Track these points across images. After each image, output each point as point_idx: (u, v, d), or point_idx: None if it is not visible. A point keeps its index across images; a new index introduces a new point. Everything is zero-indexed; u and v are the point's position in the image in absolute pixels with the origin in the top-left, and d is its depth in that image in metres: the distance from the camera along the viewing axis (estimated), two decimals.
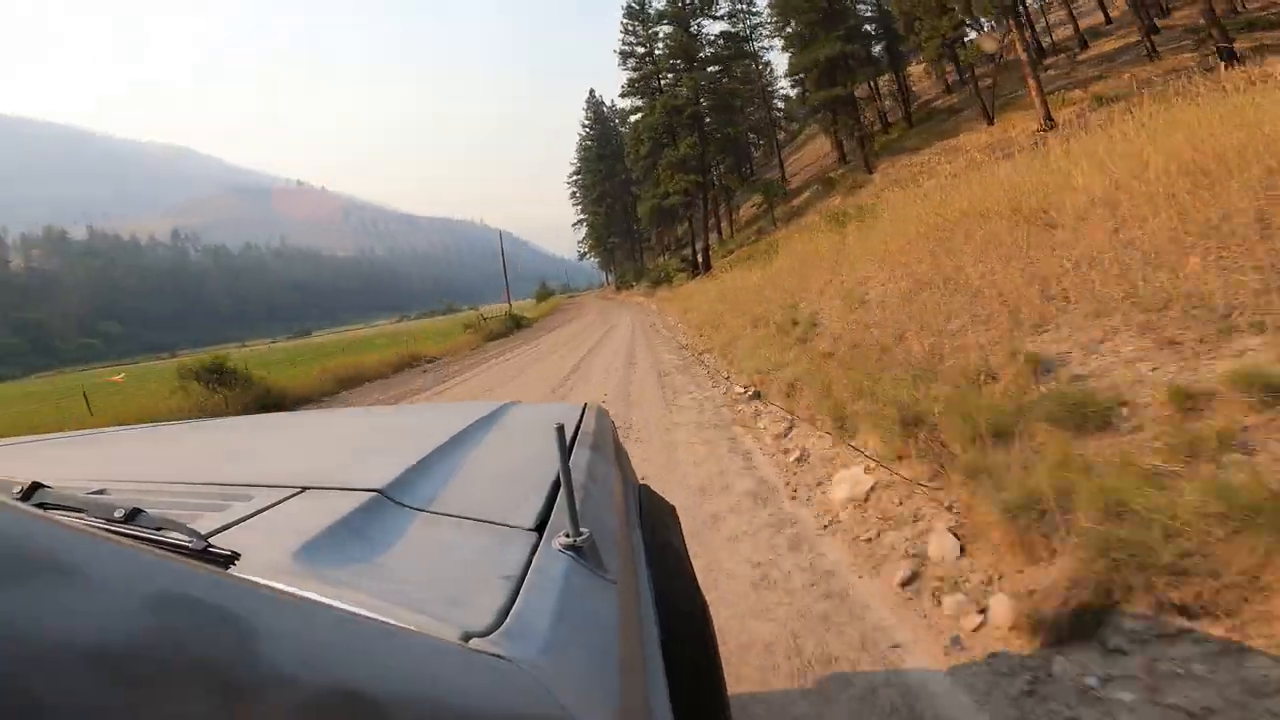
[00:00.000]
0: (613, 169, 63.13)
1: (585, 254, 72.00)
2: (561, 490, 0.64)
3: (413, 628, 0.39)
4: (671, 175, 32.52)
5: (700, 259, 33.30)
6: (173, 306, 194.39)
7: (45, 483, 0.49)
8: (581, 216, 67.98)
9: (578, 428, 1.06)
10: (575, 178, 67.34)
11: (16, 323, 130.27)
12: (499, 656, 0.41)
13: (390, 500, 0.68)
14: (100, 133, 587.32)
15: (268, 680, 0.27)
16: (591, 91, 66.84)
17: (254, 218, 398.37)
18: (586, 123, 65.51)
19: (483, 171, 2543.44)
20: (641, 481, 1.16)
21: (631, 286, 52.86)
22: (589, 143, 65.32)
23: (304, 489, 0.69)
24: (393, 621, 0.38)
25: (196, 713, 0.24)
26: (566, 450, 0.65)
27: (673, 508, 1.11)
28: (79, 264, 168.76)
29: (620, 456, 1.13)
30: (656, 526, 0.97)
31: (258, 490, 0.69)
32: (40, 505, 0.47)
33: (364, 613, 0.38)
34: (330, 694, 0.29)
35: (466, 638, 0.42)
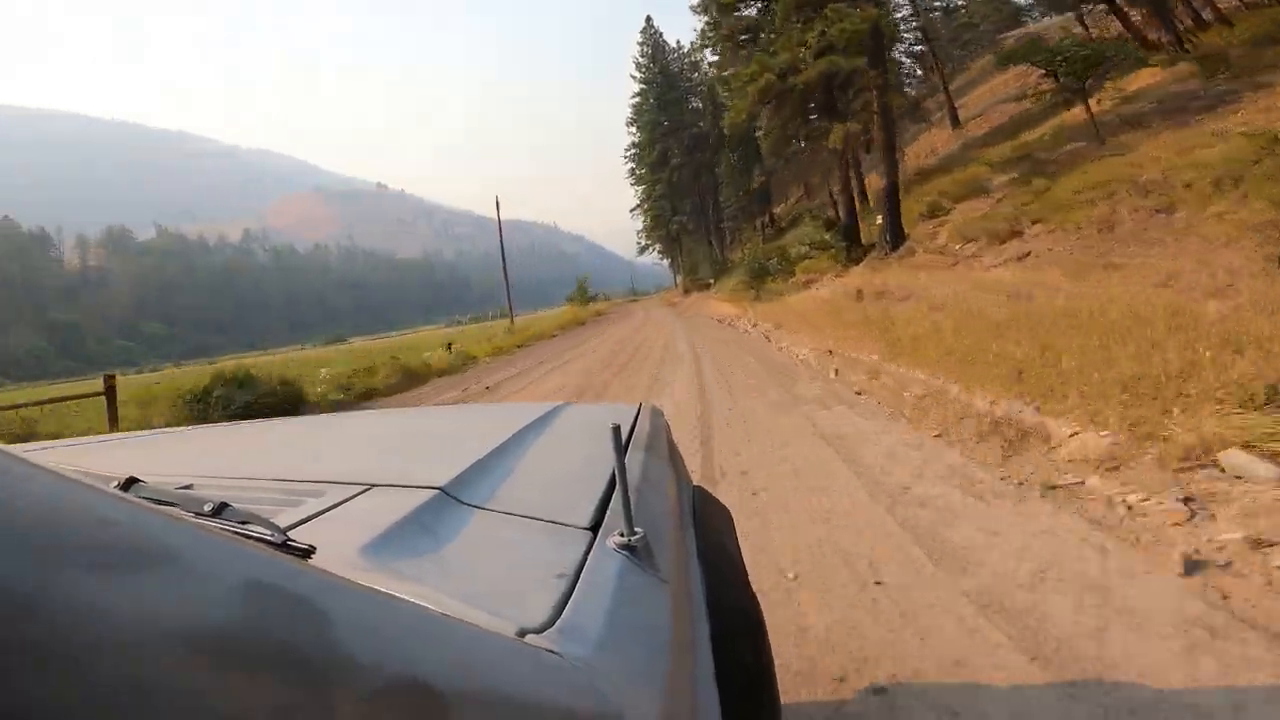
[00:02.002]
0: (678, 119, 44.81)
1: (646, 246, 53.56)
2: (616, 490, 0.64)
3: (472, 622, 0.40)
4: (806, 24, 13.63)
5: (886, 222, 13.91)
6: (225, 308, 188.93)
7: (139, 478, 0.51)
8: (638, 200, 49.64)
9: (633, 428, 1.05)
10: (631, 150, 49.34)
11: (50, 324, 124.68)
12: (552, 652, 0.42)
13: (451, 498, 0.69)
14: (200, 136, 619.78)
15: (343, 667, 0.28)
16: (649, 20, 48.45)
17: (334, 220, 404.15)
18: (643, 62, 47.22)
19: (560, 173, 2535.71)
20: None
21: (708, 286, 34.68)
22: (644, 86, 47.09)
23: (371, 486, 0.71)
24: (453, 615, 0.39)
25: (279, 696, 0.25)
26: (622, 450, 0.65)
27: (727, 510, 1.11)
28: (133, 264, 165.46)
29: (674, 457, 1.12)
30: (710, 528, 0.98)
31: (329, 487, 0.71)
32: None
33: (427, 606, 0.39)
34: (398, 682, 0.30)
35: (522, 633, 0.43)
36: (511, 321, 26.44)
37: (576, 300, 42.30)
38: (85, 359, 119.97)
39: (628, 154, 49.86)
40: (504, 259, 30.51)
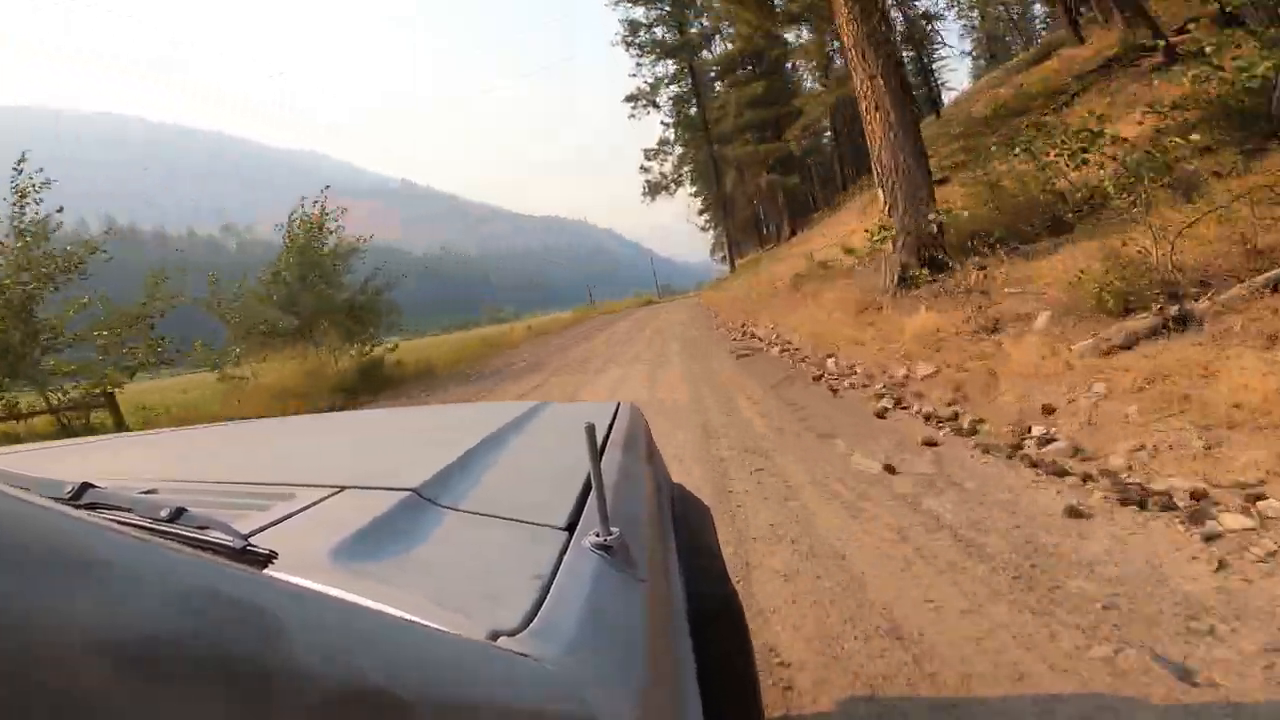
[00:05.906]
0: None
1: (666, 182, 30.79)
2: (592, 489, 0.64)
3: (441, 626, 0.39)
4: None
5: None
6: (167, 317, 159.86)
7: (96, 483, 0.50)
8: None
9: (610, 427, 1.05)
10: None
11: None
12: (525, 655, 0.41)
13: (424, 499, 0.67)
14: (241, 138, 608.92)
15: (294, 677, 0.27)
16: None
17: (357, 217, 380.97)
18: None
19: (595, 171, 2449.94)
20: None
21: (916, 285, 6.11)
22: None
23: (342, 488, 0.70)
24: (421, 620, 0.38)
25: (223, 708, 0.24)
26: (598, 449, 0.64)
27: (707, 508, 1.12)
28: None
29: (653, 455, 1.12)
30: (690, 526, 0.98)
31: (299, 490, 0.70)
32: (90, 505, 0.48)
33: (393, 611, 0.38)
34: (356, 691, 0.28)
35: (494, 636, 0.42)
36: None
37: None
38: None
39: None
40: None
